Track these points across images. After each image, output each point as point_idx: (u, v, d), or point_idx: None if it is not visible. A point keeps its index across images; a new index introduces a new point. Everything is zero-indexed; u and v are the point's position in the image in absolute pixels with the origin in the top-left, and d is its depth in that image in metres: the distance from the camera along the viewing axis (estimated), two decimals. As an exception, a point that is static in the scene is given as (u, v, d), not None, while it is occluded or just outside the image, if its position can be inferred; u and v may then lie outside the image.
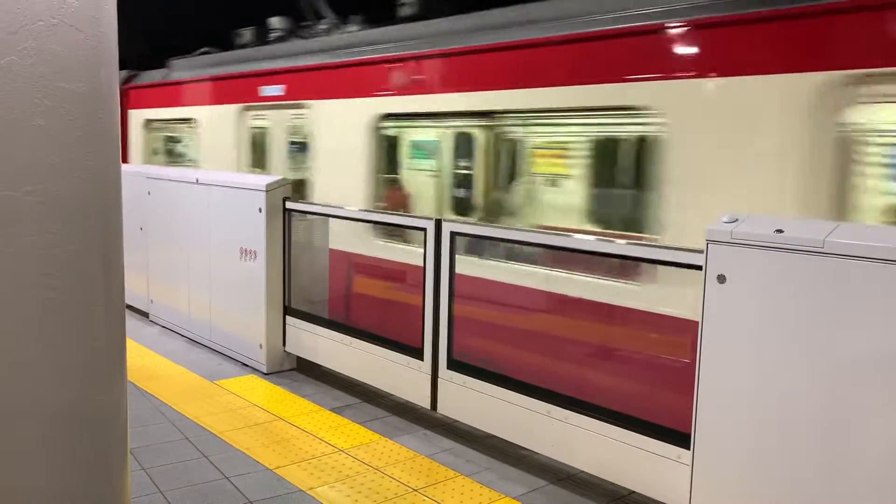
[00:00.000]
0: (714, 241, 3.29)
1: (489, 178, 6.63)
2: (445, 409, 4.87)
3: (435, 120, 6.98)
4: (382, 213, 6.44)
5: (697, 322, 3.37)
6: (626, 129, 5.60)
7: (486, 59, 6.27)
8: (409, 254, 6.41)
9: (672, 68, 4.96)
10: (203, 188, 6.75)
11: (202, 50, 11.27)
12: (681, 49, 5.00)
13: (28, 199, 1.86)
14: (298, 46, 9.09)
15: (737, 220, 3.29)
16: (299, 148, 8.54)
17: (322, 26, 9.41)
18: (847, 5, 4.22)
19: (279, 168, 8.70)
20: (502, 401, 4.47)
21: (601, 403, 4.04)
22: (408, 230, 6.17)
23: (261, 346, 6.18)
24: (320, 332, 5.88)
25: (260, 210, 6.04)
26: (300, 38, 9.51)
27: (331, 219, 6.39)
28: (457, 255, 4.77)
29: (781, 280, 3.08)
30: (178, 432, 4.86)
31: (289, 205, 6.10)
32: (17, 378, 1.88)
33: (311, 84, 8.12)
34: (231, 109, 9.35)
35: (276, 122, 8.80)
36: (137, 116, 11.92)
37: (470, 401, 4.68)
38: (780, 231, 3.09)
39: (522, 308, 5.96)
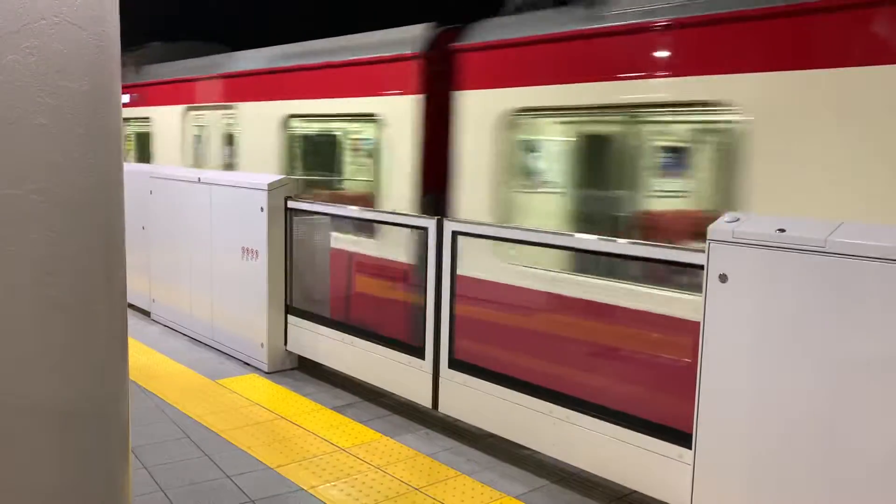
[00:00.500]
0: (716, 241, 3.28)
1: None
2: (447, 408, 4.87)
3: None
4: (384, 212, 6.43)
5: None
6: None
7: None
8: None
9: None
10: (205, 187, 6.76)
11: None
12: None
13: (30, 198, 1.86)
14: None
15: (738, 219, 3.28)
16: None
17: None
18: None
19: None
20: (503, 400, 4.47)
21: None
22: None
23: (262, 345, 6.18)
24: (321, 331, 5.88)
25: (262, 209, 6.04)
26: None
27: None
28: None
29: (783, 279, 3.08)
30: (179, 431, 4.87)
31: (291, 204, 6.10)
32: (18, 376, 1.88)
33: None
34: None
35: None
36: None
37: (471, 400, 4.68)
38: (781, 230, 3.09)
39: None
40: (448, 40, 6.45)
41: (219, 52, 10.52)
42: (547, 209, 6.03)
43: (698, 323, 3.37)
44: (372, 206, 6.94)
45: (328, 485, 4.16)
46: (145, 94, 11.11)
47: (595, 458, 4.03)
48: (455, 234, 4.75)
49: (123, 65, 2.15)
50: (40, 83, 1.85)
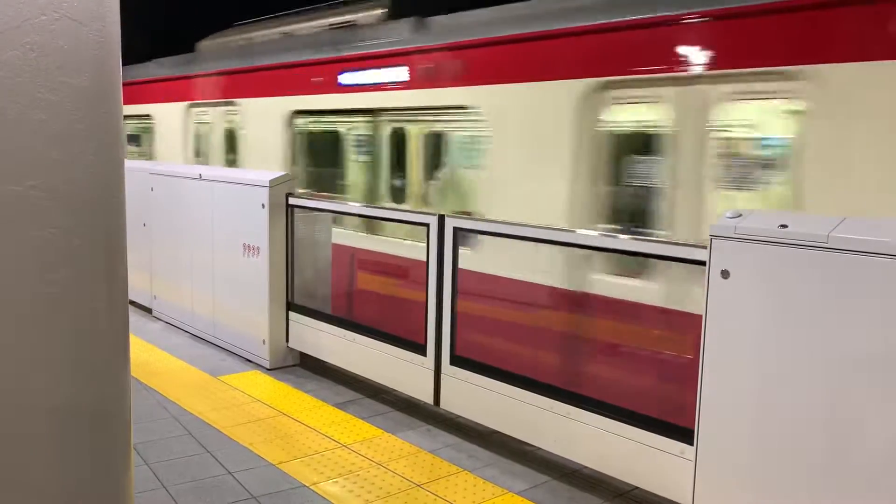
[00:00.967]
0: (718, 237, 3.28)
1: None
2: (448, 404, 4.87)
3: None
4: (386, 208, 6.43)
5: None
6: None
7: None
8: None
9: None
10: (206, 184, 6.76)
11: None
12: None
13: (31, 194, 1.86)
14: None
15: (740, 215, 3.28)
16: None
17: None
18: None
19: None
20: (505, 396, 4.47)
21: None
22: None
23: (264, 341, 6.18)
24: (323, 327, 5.88)
25: (263, 206, 6.04)
26: None
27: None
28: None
29: (786, 275, 3.07)
30: (181, 428, 4.87)
31: (292, 200, 6.10)
32: (18, 374, 1.88)
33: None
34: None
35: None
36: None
37: (473, 396, 4.68)
38: (784, 226, 3.08)
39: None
40: None
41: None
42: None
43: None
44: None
45: (330, 481, 4.16)
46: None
47: (597, 454, 4.03)
48: (456, 230, 4.75)
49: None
50: (40, 79, 1.84)
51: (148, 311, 7.93)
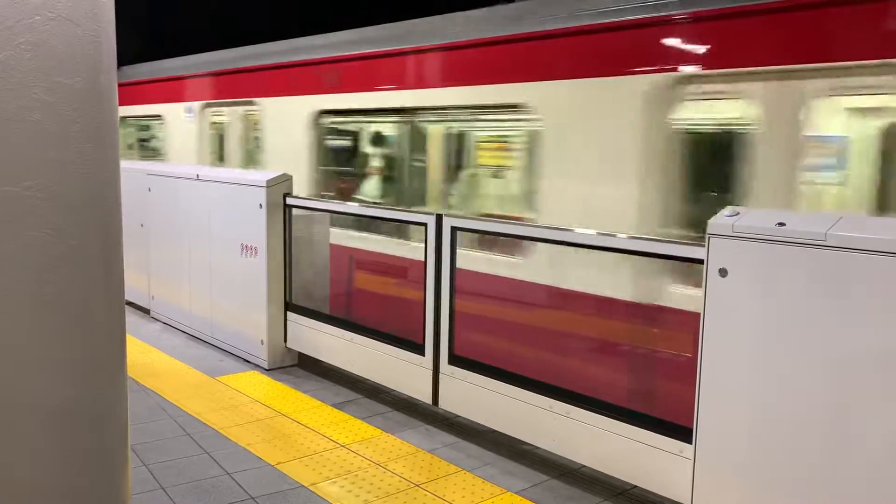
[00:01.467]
0: (715, 235, 3.28)
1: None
2: (447, 404, 4.87)
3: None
4: (383, 209, 6.42)
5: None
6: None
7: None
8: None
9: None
10: (203, 184, 6.75)
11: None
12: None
13: (27, 195, 1.85)
14: None
15: (738, 213, 3.28)
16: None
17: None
18: None
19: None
20: (504, 395, 4.47)
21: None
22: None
23: (262, 342, 6.18)
24: (322, 327, 5.88)
25: (261, 206, 6.03)
26: None
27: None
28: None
29: (783, 273, 3.07)
30: (179, 429, 4.86)
31: (289, 200, 6.09)
32: (16, 374, 1.87)
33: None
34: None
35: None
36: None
37: (471, 396, 4.67)
38: (781, 224, 3.08)
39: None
40: None
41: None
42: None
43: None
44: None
45: (328, 481, 4.16)
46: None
47: (596, 453, 4.03)
48: (454, 229, 4.74)
49: None
50: (36, 80, 1.84)
51: (146, 311, 7.92)
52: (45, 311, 1.90)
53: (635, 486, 3.98)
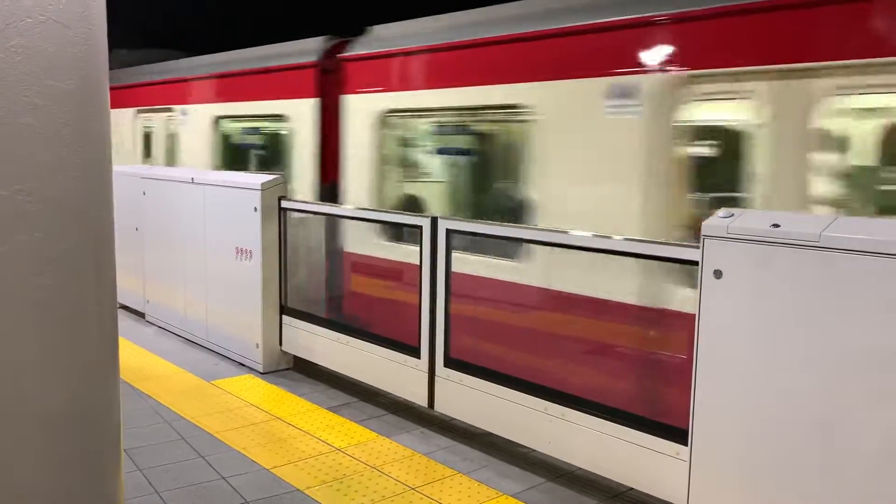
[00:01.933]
0: (710, 237, 3.27)
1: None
2: (443, 406, 4.86)
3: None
4: (379, 211, 6.42)
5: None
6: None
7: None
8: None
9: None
10: (198, 188, 6.73)
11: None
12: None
13: (18, 198, 1.84)
14: None
15: (732, 214, 3.28)
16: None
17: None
18: None
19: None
20: (499, 398, 4.46)
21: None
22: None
23: (257, 345, 6.16)
24: (317, 330, 5.86)
25: (255, 209, 6.02)
26: None
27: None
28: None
29: (778, 275, 3.07)
30: (174, 433, 4.85)
31: (284, 203, 6.08)
32: (7, 378, 1.86)
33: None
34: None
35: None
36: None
37: (467, 398, 4.67)
38: (776, 225, 3.08)
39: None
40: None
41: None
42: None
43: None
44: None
45: (324, 485, 4.14)
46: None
47: (592, 455, 4.02)
48: (449, 232, 4.74)
49: None
50: (27, 82, 1.83)
51: (141, 315, 7.90)
52: (36, 314, 1.89)
53: (631, 489, 3.97)
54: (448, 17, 6.55)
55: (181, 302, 7.14)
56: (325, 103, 7.50)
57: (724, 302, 3.26)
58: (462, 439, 4.80)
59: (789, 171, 4.29)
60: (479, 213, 6.51)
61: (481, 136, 6.51)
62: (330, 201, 7.11)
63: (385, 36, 7.09)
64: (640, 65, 4.93)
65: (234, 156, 9.34)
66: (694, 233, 4.28)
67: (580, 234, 4.24)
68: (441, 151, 6.90)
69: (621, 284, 4.83)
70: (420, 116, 6.75)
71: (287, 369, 6.22)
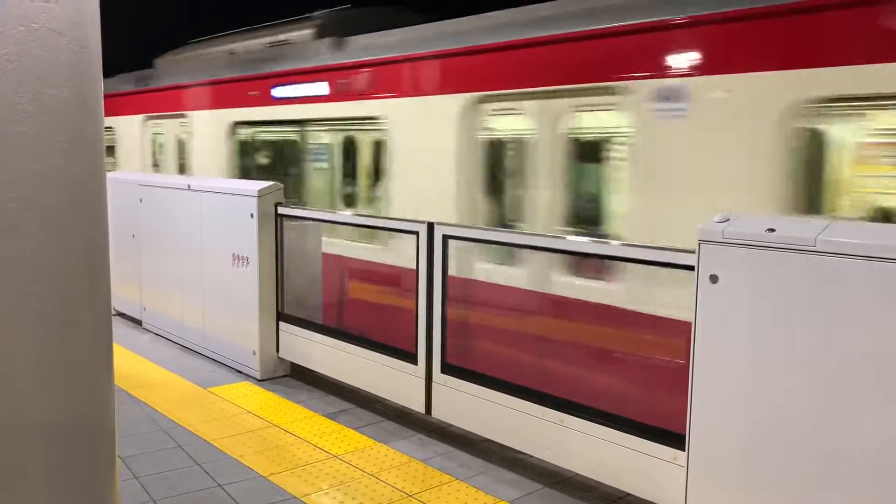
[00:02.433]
0: (706, 241, 3.28)
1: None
2: (440, 413, 4.85)
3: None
4: (374, 217, 6.42)
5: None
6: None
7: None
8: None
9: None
10: (195, 195, 6.73)
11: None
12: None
13: (11, 207, 1.84)
14: None
15: (728, 219, 3.28)
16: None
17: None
18: None
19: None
20: (496, 404, 4.45)
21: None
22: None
23: (254, 352, 6.15)
24: (313, 337, 5.85)
25: (252, 216, 6.02)
26: None
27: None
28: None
29: (774, 279, 3.07)
30: (171, 440, 4.83)
31: (281, 210, 6.08)
32: (0, 388, 1.86)
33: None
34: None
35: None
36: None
37: (464, 404, 4.66)
38: (771, 230, 3.08)
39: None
40: None
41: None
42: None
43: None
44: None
45: (321, 492, 4.13)
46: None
47: (589, 461, 4.02)
48: (445, 237, 4.74)
49: None
50: (20, 90, 1.83)
51: (138, 322, 7.88)
52: (29, 323, 1.88)
53: (629, 494, 3.96)
54: None
55: (178, 309, 7.12)
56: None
57: (720, 306, 3.26)
58: (459, 445, 4.79)
59: None
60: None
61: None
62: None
63: None
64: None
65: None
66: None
67: (576, 240, 4.25)
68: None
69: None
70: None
71: (284, 376, 6.21)
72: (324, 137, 8.45)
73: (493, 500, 4.08)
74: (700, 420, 3.36)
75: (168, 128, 10.93)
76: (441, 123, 6.47)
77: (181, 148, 10.63)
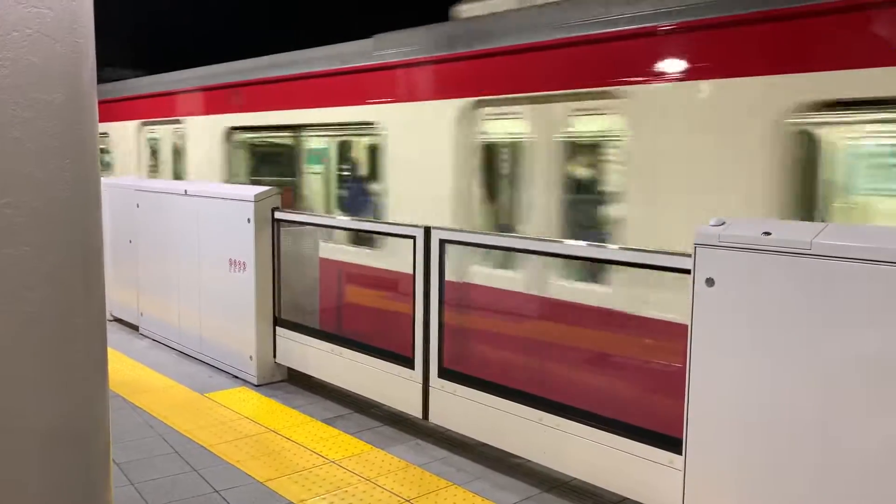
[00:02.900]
0: (702, 245, 3.28)
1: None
2: (437, 417, 4.85)
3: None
4: (371, 221, 6.42)
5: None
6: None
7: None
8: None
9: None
10: (191, 200, 6.73)
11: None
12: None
13: (6, 212, 1.84)
14: None
15: (724, 222, 3.28)
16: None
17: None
18: None
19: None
20: (494, 408, 4.45)
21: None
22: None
23: (251, 357, 6.14)
24: (310, 342, 5.85)
25: (248, 221, 6.02)
26: None
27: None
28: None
29: (770, 282, 3.07)
30: (167, 446, 4.82)
31: (277, 215, 6.07)
32: (-6, 393, 1.85)
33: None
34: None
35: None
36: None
37: (461, 409, 4.65)
38: (767, 233, 3.09)
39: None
40: None
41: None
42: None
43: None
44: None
45: (318, 498, 4.12)
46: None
47: (586, 465, 4.01)
48: (442, 242, 4.73)
49: None
50: (14, 96, 1.83)
51: (135, 328, 7.87)
52: (24, 328, 1.88)
53: (626, 498, 3.96)
54: None
55: (175, 314, 7.11)
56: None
57: (716, 310, 3.26)
58: (457, 450, 4.78)
59: None
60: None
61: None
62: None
63: None
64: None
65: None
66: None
67: (574, 244, 4.25)
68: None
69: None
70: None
71: (281, 381, 6.20)
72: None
73: (490, 504, 4.08)
74: (697, 424, 3.36)
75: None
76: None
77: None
